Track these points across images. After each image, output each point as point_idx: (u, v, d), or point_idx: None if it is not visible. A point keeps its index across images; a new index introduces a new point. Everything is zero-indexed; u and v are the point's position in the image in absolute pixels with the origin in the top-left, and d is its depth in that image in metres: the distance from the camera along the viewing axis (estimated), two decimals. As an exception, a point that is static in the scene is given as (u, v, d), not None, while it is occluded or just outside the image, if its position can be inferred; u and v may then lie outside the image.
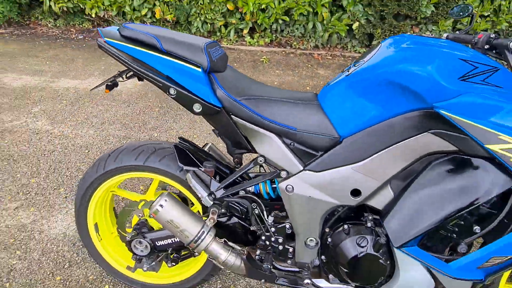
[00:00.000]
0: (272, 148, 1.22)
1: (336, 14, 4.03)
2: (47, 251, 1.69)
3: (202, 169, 1.28)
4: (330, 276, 1.32)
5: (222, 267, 1.30)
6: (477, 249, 1.15)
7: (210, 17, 4.12)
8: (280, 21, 4.07)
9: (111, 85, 1.27)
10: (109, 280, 1.61)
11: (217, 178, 1.32)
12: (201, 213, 1.41)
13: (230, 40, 4.26)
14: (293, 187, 1.21)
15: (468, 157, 1.08)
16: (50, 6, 4.35)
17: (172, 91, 1.16)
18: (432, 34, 1.46)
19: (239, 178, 1.31)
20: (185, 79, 1.14)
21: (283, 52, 4.19)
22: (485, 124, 1.00)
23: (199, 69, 1.13)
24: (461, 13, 1.32)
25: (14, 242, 1.72)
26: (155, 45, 1.13)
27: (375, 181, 1.18)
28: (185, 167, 1.28)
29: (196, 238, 1.23)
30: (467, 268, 1.16)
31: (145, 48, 1.14)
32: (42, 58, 3.75)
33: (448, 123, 1.03)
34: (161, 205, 1.21)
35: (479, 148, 1.02)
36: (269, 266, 1.31)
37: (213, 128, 1.28)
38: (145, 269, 1.42)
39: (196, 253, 1.40)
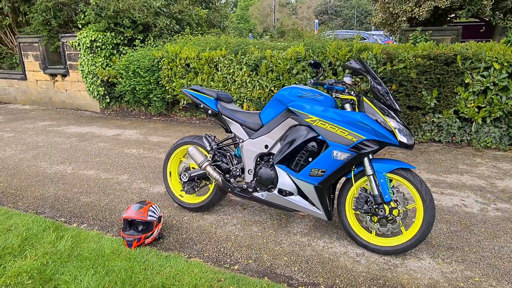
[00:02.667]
0: (237, 130, 2.99)
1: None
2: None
3: (205, 142, 3.11)
4: (258, 188, 2.89)
5: (212, 179, 3.00)
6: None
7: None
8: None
9: (186, 108, 3.30)
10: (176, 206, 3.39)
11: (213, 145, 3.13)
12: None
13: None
14: (244, 146, 2.92)
15: (302, 125, 2.67)
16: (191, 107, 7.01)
17: (208, 111, 3.07)
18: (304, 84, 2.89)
19: (224, 142, 3.10)
20: (208, 102, 3.06)
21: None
22: (304, 111, 2.63)
23: (212, 98, 3.05)
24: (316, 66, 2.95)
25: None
26: (199, 90, 3.11)
27: (273, 140, 2.83)
28: (207, 143, 3.13)
29: (201, 163, 2.99)
30: (305, 175, 2.66)
31: (198, 93, 3.13)
32: (171, 131, 6.19)
33: (294, 113, 2.67)
34: (189, 149, 3.04)
35: (304, 121, 2.62)
36: (232, 182, 2.97)
37: (220, 124, 3.14)
38: (185, 190, 3.19)
39: (208, 183, 3.14)
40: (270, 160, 2.86)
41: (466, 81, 5.02)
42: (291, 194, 2.76)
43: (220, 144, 3.18)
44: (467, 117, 5.13)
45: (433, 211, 2.49)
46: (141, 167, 4.52)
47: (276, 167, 2.77)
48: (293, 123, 2.73)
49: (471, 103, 5.06)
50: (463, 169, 4.23)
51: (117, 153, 5.14)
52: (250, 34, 25.16)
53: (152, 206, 2.88)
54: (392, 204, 2.57)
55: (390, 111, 2.53)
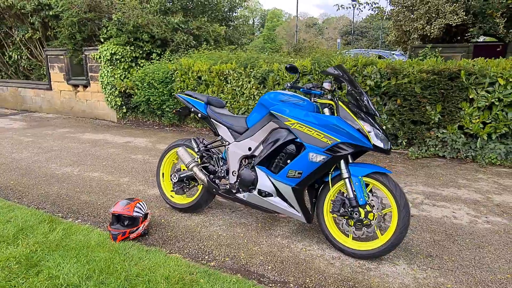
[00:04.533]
0: (224, 133, 3.11)
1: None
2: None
3: (193, 144, 3.23)
4: (240, 189, 2.97)
5: (198, 180, 3.11)
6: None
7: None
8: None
9: (179, 113, 3.41)
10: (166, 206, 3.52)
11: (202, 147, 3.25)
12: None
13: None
14: (229, 148, 3.03)
15: (282, 128, 2.76)
16: (194, 117, 7.22)
17: (198, 114, 3.21)
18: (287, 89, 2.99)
19: (212, 144, 3.23)
20: (198, 106, 3.20)
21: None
22: (285, 114, 2.72)
23: (203, 102, 3.19)
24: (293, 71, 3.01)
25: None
26: (191, 95, 3.26)
27: (256, 143, 2.92)
28: (195, 144, 3.25)
29: (188, 163, 3.11)
30: (282, 176, 2.73)
31: (190, 98, 3.28)
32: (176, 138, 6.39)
33: (275, 116, 2.77)
34: (178, 150, 3.18)
35: (284, 124, 2.71)
36: (217, 183, 3.08)
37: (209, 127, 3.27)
38: (175, 190, 3.31)
39: (197, 184, 3.26)
40: (252, 161, 2.95)
41: (470, 97, 4.97)
42: (270, 195, 2.83)
43: (208, 146, 3.30)
44: (472, 132, 5.06)
45: (407, 216, 2.49)
46: (143, 171, 4.69)
47: (256, 168, 2.85)
48: (275, 126, 2.82)
49: (476, 119, 4.99)
50: (462, 184, 4.16)
51: (123, 158, 5.35)
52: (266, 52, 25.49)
53: (139, 203, 3.01)
54: (368, 208, 2.60)
55: (366, 116, 2.58)
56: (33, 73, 10.39)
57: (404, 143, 5.57)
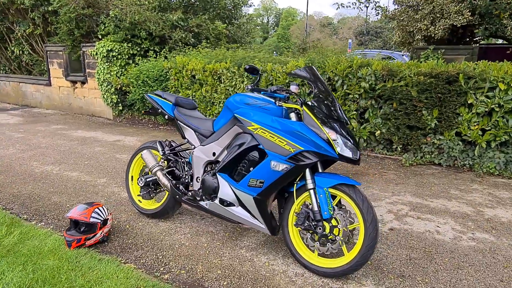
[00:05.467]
0: (191, 136, 2.94)
1: (363, 125, 5.42)
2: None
3: (158, 147, 3.06)
4: (203, 197, 2.80)
5: (161, 185, 2.95)
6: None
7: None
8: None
9: (149, 113, 3.24)
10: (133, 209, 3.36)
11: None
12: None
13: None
14: (194, 152, 2.86)
15: (246, 133, 2.57)
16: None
17: (165, 115, 3.04)
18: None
19: (181, 147, 3.06)
20: (166, 107, 3.03)
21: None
22: (248, 118, 2.53)
23: (170, 103, 3.02)
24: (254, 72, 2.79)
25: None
26: (160, 95, 3.09)
27: (221, 148, 2.74)
28: (160, 148, 3.09)
29: (152, 167, 2.95)
30: (244, 185, 2.54)
31: (158, 98, 3.11)
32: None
33: (239, 120, 2.58)
34: (143, 153, 3.01)
35: (247, 129, 2.52)
36: (181, 190, 2.90)
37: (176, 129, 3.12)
38: (141, 195, 3.15)
39: (164, 189, 3.08)
40: (213, 167, 2.78)
41: (469, 102, 4.69)
42: (232, 204, 2.64)
43: (176, 149, 3.13)
44: (470, 140, 4.78)
45: (374, 233, 2.28)
46: (123, 172, 4.56)
47: (218, 175, 2.67)
48: (239, 131, 2.64)
49: (474, 125, 4.71)
50: (454, 195, 3.91)
51: (108, 157, 5.23)
52: (274, 52, 25.29)
53: (98, 208, 2.86)
54: (333, 222, 2.39)
55: (334, 123, 2.38)
56: (35, 68, 10.40)
57: (399, 149, 5.31)
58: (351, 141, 2.37)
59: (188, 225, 3.18)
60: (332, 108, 2.40)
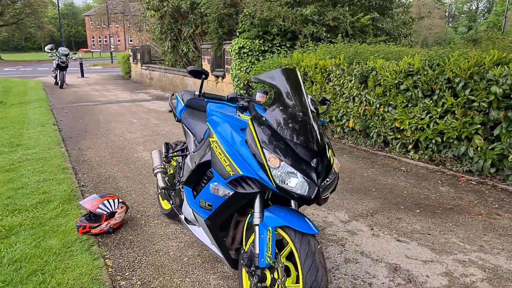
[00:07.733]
0: (189, 141, 2.79)
1: (493, 144, 4.00)
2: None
3: (163, 148, 2.98)
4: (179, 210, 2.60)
5: (158, 188, 2.89)
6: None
7: (383, 131, 5.14)
8: (434, 141, 4.49)
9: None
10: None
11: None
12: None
13: (397, 151, 5.02)
14: (185, 159, 2.70)
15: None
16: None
17: (175, 117, 2.97)
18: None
19: (179, 151, 2.92)
20: (177, 108, 2.95)
21: (431, 169, 4.49)
22: (213, 128, 2.22)
23: (182, 104, 2.92)
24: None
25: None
26: (181, 95, 3.02)
27: (199, 158, 2.49)
28: (164, 149, 3.02)
29: (154, 168, 2.92)
30: (196, 205, 2.25)
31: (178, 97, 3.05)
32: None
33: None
34: (152, 152, 3.01)
35: (209, 140, 2.19)
36: (171, 196, 2.78)
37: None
38: (160, 193, 3.17)
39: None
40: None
41: None
42: (193, 223, 2.35)
43: (176, 153, 2.99)
44: None
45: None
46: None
47: (182, 188, 2.40)
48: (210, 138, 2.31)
49: None
50: None
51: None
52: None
53: (108, 200, 3.01)
54: (275, 274, 1.82)
55: (291, 147, 1.78)
56: (195, 64, 11.89)
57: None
58: (311, 174, 1.74)
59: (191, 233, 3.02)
60: (296, 127, 1.81)
